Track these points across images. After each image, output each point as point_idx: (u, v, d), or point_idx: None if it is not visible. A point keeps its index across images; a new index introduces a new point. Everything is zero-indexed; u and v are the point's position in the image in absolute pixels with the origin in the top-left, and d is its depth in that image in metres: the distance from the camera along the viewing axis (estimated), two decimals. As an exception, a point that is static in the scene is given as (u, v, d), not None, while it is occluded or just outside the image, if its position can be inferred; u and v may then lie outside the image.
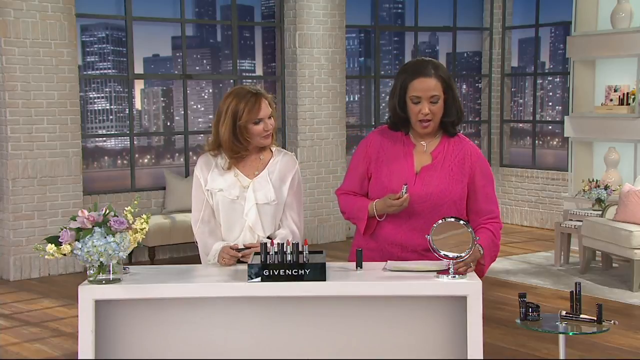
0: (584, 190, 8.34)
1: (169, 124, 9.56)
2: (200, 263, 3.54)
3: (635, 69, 8.54)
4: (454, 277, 2.99)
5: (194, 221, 3.59)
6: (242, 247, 3.40)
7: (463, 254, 3.01)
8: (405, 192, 3.31)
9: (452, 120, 3.41)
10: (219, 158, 3.57)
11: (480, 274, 3.28)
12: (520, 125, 11.44)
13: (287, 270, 2.95)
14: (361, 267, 3.14)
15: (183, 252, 8.73)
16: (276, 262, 2.97)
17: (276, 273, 2.95)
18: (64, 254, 2.88)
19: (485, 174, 3.45)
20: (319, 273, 2.95)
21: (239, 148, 3.50)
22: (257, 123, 3.48)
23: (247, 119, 3.45)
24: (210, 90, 9.90)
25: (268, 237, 3.46)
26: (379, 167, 3.45)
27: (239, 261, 3.40)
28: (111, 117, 8.95)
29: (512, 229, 10.58)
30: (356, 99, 10.85)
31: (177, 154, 9.48)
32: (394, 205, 3.31)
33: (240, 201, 3.50)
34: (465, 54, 11.48)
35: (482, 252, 3.27)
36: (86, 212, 2.90)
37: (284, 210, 3.56)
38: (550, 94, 11.16)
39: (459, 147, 3.44)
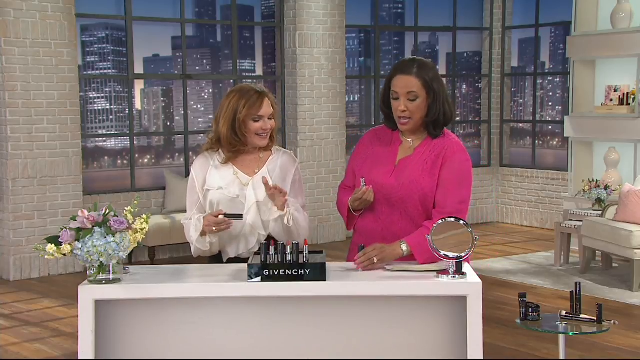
0: (584, 190, 8.34)
1: (169, 124, 9.57)
2: (197, 261, 3.56)
3: (635, 69, 8.54)
4: (454, 277, 2.99)
5: (184, 218, 3.61)
6: (231, 213, 3.39)
7: (463, 254, 3.01)
8: (364, 185, 3.38)
9: (432, 120, 3.42)
10: (217, 155, 3.57)
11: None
12: (520, 125, 11.45)
13: (287, 270, 2.95)
14: None
15: (183, 252, 8.73)
16: (276, 262, 2.97)
17: (276, 273, 2.95)
18: (64, 254, 2.88)
19: (453, 169, 3.37)
20: (319, 273, 2.96)
21: (236, 142, 3.51)
22: (256, 120, 3.50)
23: (246, 114, 3.47)
24: (210, 90, 9.90)
25: (268, 237, 3.46)
26: (363, 164, 3.52)
27: (234, 259, 3.42)
28: (111, 117, 8.95)
29: (512, 229, 10.59)
30: (356, 99, 10.85)
31: (177, 154, 9.48)
32: (356, 199, 3.40)
33: (240, 199, 3.51)
34: (465, 54, 11.48)
35: (404, 250, 3.22)
36: (86, 212, 2.90)
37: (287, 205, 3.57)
38: (550, 94, 11.16)
39: (441, 143, 3.45)
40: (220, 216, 3.37)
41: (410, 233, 3.30)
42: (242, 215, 3.41)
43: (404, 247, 3.24)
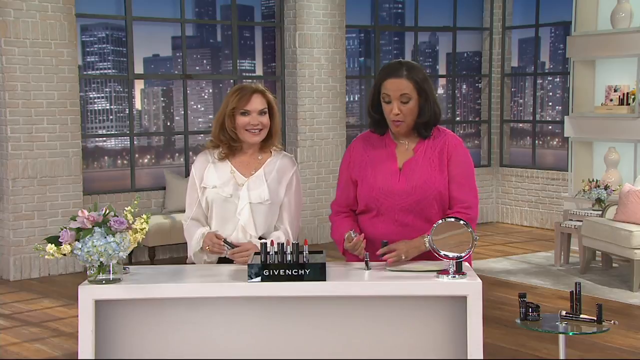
0: (584, 190, 8.34)
1: (169, 124, 9.57)
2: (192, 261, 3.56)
3: (635, 69, 8.54)
4: (454, 277, 2.99)
5: (185, 217, 3.62)
6: (230, 242, 3.39)
7: (463, 254, 3.02)
8: (355, 236, 3.33)
9: (424, 121, 3.42)
10: (217, 152, 3.57)
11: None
12: (520, 125, 11.45)
13: (287, 270, 2.95)
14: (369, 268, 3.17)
15: (183, 252, 8.69)
16: (276, 262, 2.97)
17: (276, 273, 2.95)
18: (64, 254, 2.88)
19: (459, 163, 3.43)
20: (319, 273, 2.96)
21: (226, 138, 3.50)
22: (244, 114, 3.48)
23: (234, 107, 3.46)
24: (210, 90, 9.90)
25: (260, 238, 3.46)
26: (364, 170, 3.48)
27: (225, 259, 3.42)
28: (111, 117, 8.95)
29: (512, 229, 10.58)
30: (356, 99, 10.86)
31: (177, 154, 9.48)
32: (348, 248, 3.37)
33: (233, 199, 3.49)
34: (465, 54, 11.48)
35: (427, 246, 3.23)
36: (86, 212, 2.90)
37: (280, 210, 3.55)
38: (550, 94, 11.16)
39: (438, 139, 3.46)
40: (217, 241, 3.37)
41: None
42: (235, 247, 3.40)
43: (427, 240, 3.24)
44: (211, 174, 3.54)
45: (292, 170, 3.59)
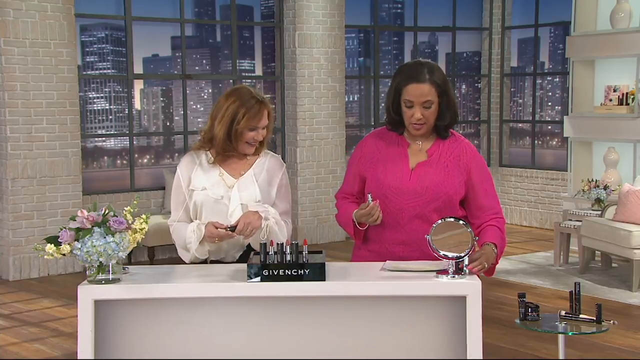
0: (583, 190, 8.34)
1: (168, 124, 9.57)
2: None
3: (635, 69, 8.54)
4: (453, 277, 2.99)
5: (171, 221, 3.58)
6: (231, 225, 3.37)
7: (462, 254, 3.02)
8: (372, 201, 3.31)
9: (445, 124, 3.42)
10: (204, 155, 3.54)
11: (491, 272, 3.33)
12: (520, 125, 11.45)
13: (286, 270, 2.95)
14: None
15: (182, 252, 8.72)
16: (276, 262, 2.97)
17: (276, 273, 2.95)
18: (64, 254, 2.87)
19: (482, 171, 3.46)
20: (318, 273, 2.95)
21: (229, 147, 3.48)
22: (251, 130, 3.47)
23: (245, 125, 3.44)
24: (210, 90, 9.90)
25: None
26: (374, 167, 3.46)
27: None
28: (110, 117, 8.95)
29: (511, 229, 10.58)
30: (356, 99, 10.86)
31: (176, 154, 9.48)
32: (363, 215, 3.33)
33: (224, 201, 3.47)
34: (465, 54, 11.48)
35: (496, 252, 3.29)
36: (85, 212, 2.89)
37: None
38: (550, 94, 11.16)
39: (454, 145, 3.46)
40: (221, 230, 3.33)
41: None
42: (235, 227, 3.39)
43: (494, 248, 3.30)
44: (199, 176, 3.50)
45: (281, 170, 3.58)
